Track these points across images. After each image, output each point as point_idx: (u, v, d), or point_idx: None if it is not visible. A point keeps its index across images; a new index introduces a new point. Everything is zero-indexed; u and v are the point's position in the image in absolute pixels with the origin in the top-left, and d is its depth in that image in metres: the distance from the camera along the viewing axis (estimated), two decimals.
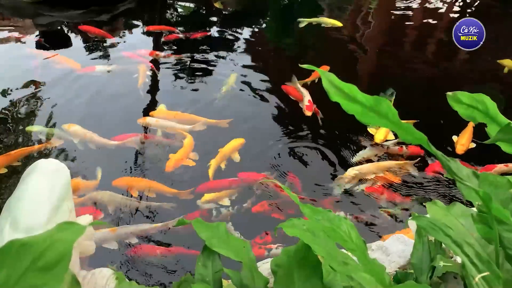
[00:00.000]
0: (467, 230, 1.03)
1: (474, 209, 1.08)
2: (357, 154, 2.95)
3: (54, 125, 3.11)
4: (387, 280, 0.96)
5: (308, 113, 3.26)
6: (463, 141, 2.99)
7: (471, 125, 3.08)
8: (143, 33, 4.90)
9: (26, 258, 0.60)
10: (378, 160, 2.93)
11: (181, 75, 3.98)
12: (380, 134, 3.04)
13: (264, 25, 5.52)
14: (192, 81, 3.90)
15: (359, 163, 2.89)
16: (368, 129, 3.14)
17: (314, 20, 4.91)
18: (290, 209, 2.51)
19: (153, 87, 3.79)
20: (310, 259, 1.04)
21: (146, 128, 3.18)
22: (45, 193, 1.36)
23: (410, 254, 1.27)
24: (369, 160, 2.93)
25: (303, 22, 4.86)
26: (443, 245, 1.26)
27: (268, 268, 1.18)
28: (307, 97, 3.39)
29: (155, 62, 4.13)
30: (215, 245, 1.12)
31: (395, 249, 1.64)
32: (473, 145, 3.00)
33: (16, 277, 0.59)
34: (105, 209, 2.47)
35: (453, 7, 5.91)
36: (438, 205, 1.14)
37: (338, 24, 4.88)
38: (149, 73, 3.86)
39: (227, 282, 1.30)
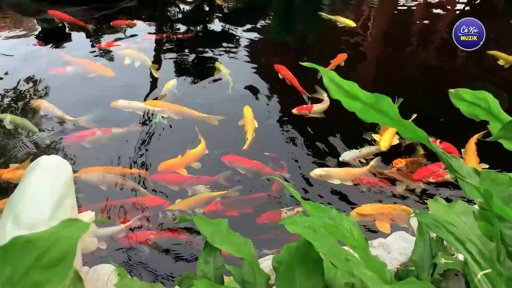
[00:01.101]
0: (468, 227, 1.03)
1: (476, 206, 1.08)
2: (345, 153, 2.91)
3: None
4: (388, 277, 0.96)
5: (294, 110, 3.28)
6: (472, 162, 2.82)
7: (472, 142, 2.93)
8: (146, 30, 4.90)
9: (30, 255, 0.61)
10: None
11: (181, 69, 3.99)
12: (385, 141, 2.93)
13: (266, 21, 5.50)
14: (192, 76, 3.91)
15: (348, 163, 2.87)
16: (373, 135, 3.06)
17: (332, 17, 5.10)
18: (247, 208, 2.49)
19: (154, 79, 3.83)
20: (311, 255, 1.04)
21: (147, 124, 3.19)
22: (47, 190, 1.36)
23: (412, 251, 1.27)
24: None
25: (323, 16, 5.13)
26: (445, 242, 1.26)
27: (270, 264, 1.18)
28: (318, 106, 3.36)
29: (158, 56, 4.14)
30: (216, 241, 1.12)
31: (396, 246, 1.65)
32: (486, 165, 2.80)
33: (20, 274, 0.60)
34: (95, 189, 2.57)
35: (455, 4, 5.89)
36: (439, 203, 1.14)
37: (352, 24, 4.98)
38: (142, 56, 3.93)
39: (229, 278, 1.31)
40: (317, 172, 2.72)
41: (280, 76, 3.70)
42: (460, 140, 3.04)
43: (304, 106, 3.33)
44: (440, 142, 2.97)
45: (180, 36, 4.70)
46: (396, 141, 2.99)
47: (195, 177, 2.67)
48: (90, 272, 1.49)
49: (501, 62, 4.04)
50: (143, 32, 4.71)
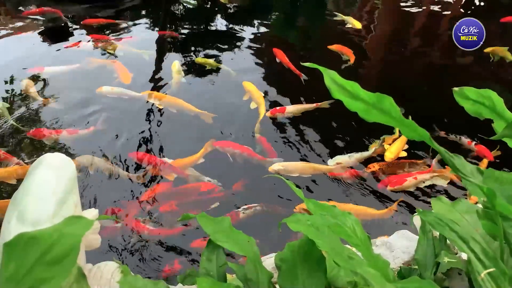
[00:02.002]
0: (472, 226, 1.02)
1: (480, 205, 1.07)
2: (334, 158, 2.87)
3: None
4: (391, 276, 0.96)
5: (267, 113, 3.28)
6: None
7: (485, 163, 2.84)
8: (148, 28, 4.90)
9: (35, 251, 0.61)
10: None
11: (184, 66, 4.00)
12: (391, 152, 2.87)
13: (269, 20, 5.49)
14: (194, 73, 3.91)
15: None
16: (384, 144, 2.98)
17: (344, 17, 5.16)
18: (208, 205, 2.49)
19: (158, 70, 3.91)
20: (314, 254, 1.04)
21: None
22: (51, 187, 1.36)
23: (415, 250, 1.27)
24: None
25: (338, 16, 5.21)
26: (448, 241, 1.25)
27: (272, 263, 1.18)
28: (292, 107, 3.36)
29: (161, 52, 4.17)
30: (219, 239, 1.12)
31: (399, 245, 1.64)
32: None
33: (24, 270, 0.60)
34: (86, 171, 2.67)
35: (459, 3, 5.87)
36: (443, 201, 1.14)
37: (358, 26, 5.00)
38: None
39: (232, 276, 1.31)
40: (275, 167, 2.68)
41: (277, 60, 3.93)
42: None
43: (278, 108, 3.30)
44: (475, 144, 2.93)
45: (182, 35, 4.70)
46: (403, 153, 2.92)
47: (167, 163, 2.71)
48: (93, 269, 1.49)
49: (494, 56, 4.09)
50: (129, 32, 4.70)
